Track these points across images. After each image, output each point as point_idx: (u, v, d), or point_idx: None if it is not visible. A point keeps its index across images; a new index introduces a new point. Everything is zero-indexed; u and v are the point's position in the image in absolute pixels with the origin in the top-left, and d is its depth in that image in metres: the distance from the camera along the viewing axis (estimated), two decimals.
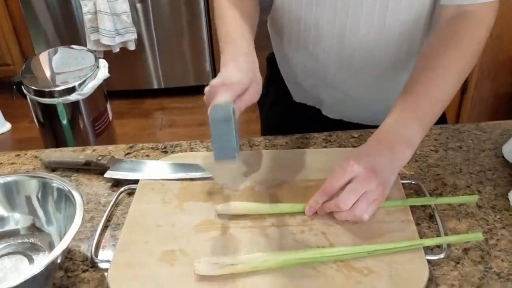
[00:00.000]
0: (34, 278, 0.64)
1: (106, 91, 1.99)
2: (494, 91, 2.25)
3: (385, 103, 0.86)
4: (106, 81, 1.94)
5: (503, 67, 2.18)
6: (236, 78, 0.74)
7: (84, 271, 0.74)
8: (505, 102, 2.26)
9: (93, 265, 0.74)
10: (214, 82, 0.74)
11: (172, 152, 0.95)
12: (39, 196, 0.79)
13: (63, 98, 1.80)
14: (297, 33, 0.95)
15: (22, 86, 1.85)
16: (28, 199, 0.79)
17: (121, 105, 2.85)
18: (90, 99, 1.86)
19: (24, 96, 1.88)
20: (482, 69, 2.18)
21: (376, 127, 0.79)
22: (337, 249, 0.71)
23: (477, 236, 0.71)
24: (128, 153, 0.96)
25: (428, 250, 0.72)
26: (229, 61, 0.78)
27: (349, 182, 0.72)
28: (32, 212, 0.79)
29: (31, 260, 0.76)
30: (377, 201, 0.73)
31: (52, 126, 1.94)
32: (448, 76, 0.79)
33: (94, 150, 0.97)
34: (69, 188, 0.75)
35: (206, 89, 0.76)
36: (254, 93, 0.77)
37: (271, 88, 0.93)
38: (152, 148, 0.97)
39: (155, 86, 2.90)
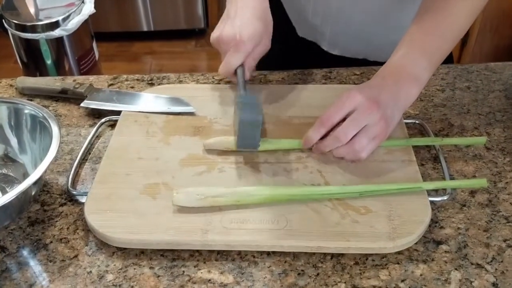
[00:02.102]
0: (4, 208, 0.59)
1: (94, 33, 1.90)
2: (494, 44, 2.19)
3: (390, 37, 0.80)
4: (93, 21, 1.85)
5: (506, 19, 2.11)
6: (248, 32, 0.73)
7: (61, 205, 0.68)
8: (505, 56, 2.20)
9: (71, 198, 0.69)
10: (225, 33, 0.74)
11: (159, 85, 0.88)
12: (12, 123, 0.72)
13: (46, 33, 1.70)
14: None
15: (3, 21, 1.75)
16: (0, 126, 0.73)
17: (109, 48, 2.75)
18: (75, 36, 1.77)
19: (6, 31, 1.78)
20: (484, 21, 2.10)
21: (380, 64, 0.73)
22: (330, 187, 0.66)
23: (481, 182, 0.66)
24: (112, 84, 0.89)
25: (432, 191, 0.67)
26: None
27: (349, 114, 0.67)
28: (4, 140, 0.73)
29: (4, 192, 0.70)
30: (377, 138, 0.68)
31: (36, 66, 1.85)
32: (460, 9, 0.73)
33: (74, 80, 0.90)
34: (43, 114, 0.68)
35: (214, 36, 0.76)
36: (264, 46, 0.77)
37: None
38: (137, 79, 0.90)
39: (145, 29, 2.79)
